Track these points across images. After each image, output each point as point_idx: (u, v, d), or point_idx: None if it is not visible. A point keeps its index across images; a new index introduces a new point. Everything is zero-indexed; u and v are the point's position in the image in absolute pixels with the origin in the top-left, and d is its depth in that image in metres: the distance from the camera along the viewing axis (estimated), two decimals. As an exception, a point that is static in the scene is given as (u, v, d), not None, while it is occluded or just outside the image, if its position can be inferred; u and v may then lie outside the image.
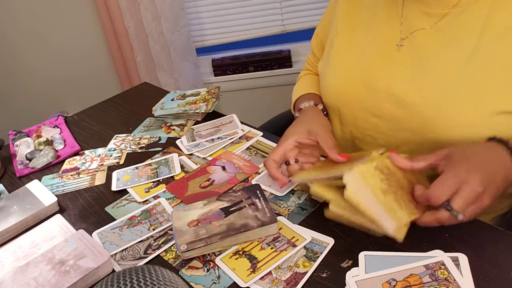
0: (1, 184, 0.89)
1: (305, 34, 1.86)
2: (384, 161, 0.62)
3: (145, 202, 0.79)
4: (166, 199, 0.78)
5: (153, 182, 0.83)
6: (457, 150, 0.60)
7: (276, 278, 0.60)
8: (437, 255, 0.58)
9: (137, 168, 0.88)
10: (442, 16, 0.71)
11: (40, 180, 0.88)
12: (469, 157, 0.59)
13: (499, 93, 0.66)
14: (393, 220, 0.57)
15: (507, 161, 0.60)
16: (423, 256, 0.58)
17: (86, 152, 0.97)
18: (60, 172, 0.91)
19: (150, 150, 0.94)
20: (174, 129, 1.00)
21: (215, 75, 2.05)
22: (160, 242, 0.69)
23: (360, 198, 0.57)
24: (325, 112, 0.88)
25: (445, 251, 0.59)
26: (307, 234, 0.66)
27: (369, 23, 0.81)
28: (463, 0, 0.70)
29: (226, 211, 0.69)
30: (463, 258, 0.57)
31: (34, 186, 0.84)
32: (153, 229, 0.72)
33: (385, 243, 0.62)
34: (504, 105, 0.66)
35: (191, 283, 0.61)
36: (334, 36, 0.86)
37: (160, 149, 0.94)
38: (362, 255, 0.60)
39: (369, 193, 0.58)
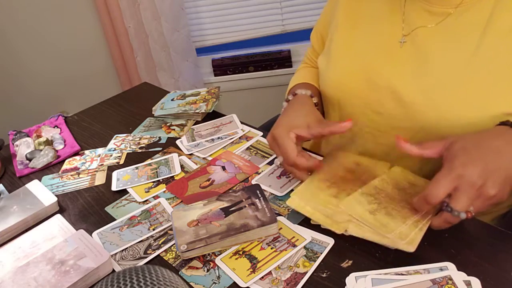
0: (1, 184, 0.89)
1: (305, 34, 1.85)
2: (371, 183, 0.68)
3: (145, 202, 0.79)
4: (166, 199, 0.78)
5: (153, 182, 0.83)
6: (459, 142, 0.58)
7: (276, 278, 0.60)
8: (445, 265, 0.57)
9: (137, 168, 0.88)
10: (446, 16, 0.71)
11: (40, 180, 0.88)
12: (469, 150, 0.56)
13: (502, 95, 0.66)
14: (390, 234, 0.60)
15: None
16: (431, 268, 0.57)
17: (86, 152, 0.97)
18: (60, 172, 0.91)
19: (150, 150, 0.94)
20: (174, 129, 1.00)
21: (215, 75, 2.05)
22: (160, 242, 0.69)
23: (359, 230, 0.62)
24: (317, 107, 0.84)
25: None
26: (307, 234, 0.66)
27: (371, 18, 0.81)
28: None
29: (226, 211, 0.69)
30: (475, 283, 0.55)
31: (34, 186, 0.84)
32: (153, 229, 0.72)
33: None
34: (507, 107, 0.66)
35: (191, 283, 0.61)
36: (334, 31, 0.86)
37: (160, 149, 0.94)
38: (369, 279, 0.57)
39: (359, 219, 0.63)
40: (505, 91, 0.66)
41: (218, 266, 0.63)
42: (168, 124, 1.03)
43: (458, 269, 0.56)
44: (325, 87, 0.87)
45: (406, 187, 0.68)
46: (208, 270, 0.63)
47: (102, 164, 0.92)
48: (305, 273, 0.60)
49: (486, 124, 0.66)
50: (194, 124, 1.01)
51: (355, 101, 0.81)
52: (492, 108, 0.66)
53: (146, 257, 0.67)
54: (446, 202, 0.55)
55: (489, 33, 0.67)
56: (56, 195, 0.81)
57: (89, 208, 0.80)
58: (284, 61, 1.97)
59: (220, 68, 2.03)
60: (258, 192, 0.72)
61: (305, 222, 0.69)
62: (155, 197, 0.79)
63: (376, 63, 0.77)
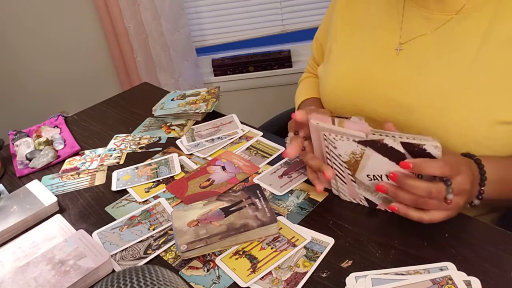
0: (1, 184, 0.89)
1: (305, 34, 1.86)
2: None
3: (145, 202, 0.79)
4: (166, 199, 0.78)
5: (153, 182, 0.83)
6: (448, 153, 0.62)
7: (276, 278, 0.60)
8: (445, 265, 0.57)
9: (137, 168, 0.88)
10: (444, 22, 0.71)
11: (40, 180, 0.88)
12: (461, 159, 0.61)
13: (500, 103, 0.66)
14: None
15: (477, 177, 0.62)
16: (431, 268, 0.57)
17: (86, 152, 0.97)
18: (60, 172, 0.91)
19: (150, 150, 0.94)
20: (174, 129, 1.00)
21: (215, 75, 2.05)
22: (160, 242, 0.69)
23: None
24: None
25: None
26: (307, 234, 0.66)
27: (368, 26, 0.81)
28: (466, 6, 0.69)
29: (226, 211, 0.69)
30: (475, 283, 0.55)
31: (34, 186, 0.84)
32: (153, 229, 0.72)
33: (385, 243, 0.62)
34: (505, 116, 0.66)
35: (191, 283, 0.61)
36: (333, 40, 0.86)
37: (160, 149, 0.94)
38: (369, 279, 0.57)
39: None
40: (503, 99, 0.65)
41: (218, 266, 0.63)
42: (168, 124, 1.03)
43: (458, 269, 0.56)
44: (323, 95, 0.87)
45: None
46: (208, 270, 0.63)
47: (102, 164, 0.92)
48: (305, 273, 0.60)
49: (484, 131, 0.66)
50: (194, 124, 1.01)
51: (352, 108, 0.81)
52: (490, 116, 0.66)
53: (146, 257, 0.67)
54: (448, 178, 0.57)
55: (488, 42, 0.67)
56: (56, 195, 0.81)
57: (89, 208, 0.80)
58: (284, 61, 1.97)
59: (220, 68, 2.03)
60: (258, 192, 0.72)
61: (305, 222, 0.69)
62: (155, 197, 0.79)
63: (372, 71, 0.77)
